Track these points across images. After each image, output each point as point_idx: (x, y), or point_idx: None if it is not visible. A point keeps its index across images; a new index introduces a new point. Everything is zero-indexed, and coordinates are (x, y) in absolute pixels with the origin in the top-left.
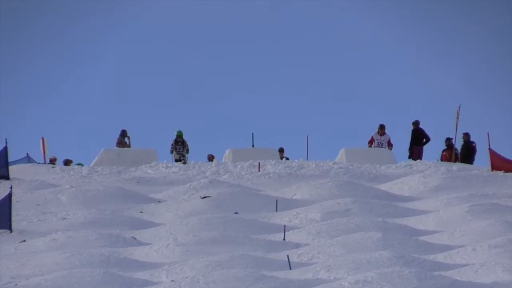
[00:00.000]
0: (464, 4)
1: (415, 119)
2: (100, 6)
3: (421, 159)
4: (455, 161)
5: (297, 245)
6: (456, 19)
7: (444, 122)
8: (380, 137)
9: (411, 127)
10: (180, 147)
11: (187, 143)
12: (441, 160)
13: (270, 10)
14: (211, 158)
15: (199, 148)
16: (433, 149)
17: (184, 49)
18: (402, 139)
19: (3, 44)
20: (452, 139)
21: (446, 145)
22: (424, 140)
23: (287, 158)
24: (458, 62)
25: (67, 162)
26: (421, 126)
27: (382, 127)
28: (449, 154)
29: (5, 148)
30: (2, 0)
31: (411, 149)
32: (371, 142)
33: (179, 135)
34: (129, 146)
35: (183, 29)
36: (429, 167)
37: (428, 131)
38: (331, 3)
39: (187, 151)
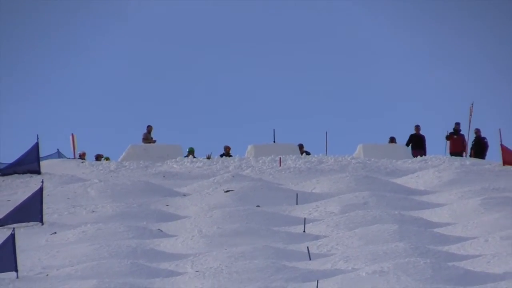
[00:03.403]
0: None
1: (416, 124)
2: (129, 5)
3: None
4: (463, 149)
5: (317, 237)
6: (469, 18)
7: (458, 119)
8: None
9: (413, 130)
10: None
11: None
12: (448, 140)
13: (293, 7)
14: (227, 149)
15: (221, 143)
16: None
17: (208, 48)
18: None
19: (34, 44)
20: (460, 124)
21: (454, 129)
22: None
23: (308, 153)
24: (470, 61)
25: (98, 157)
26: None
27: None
28: (459, 140)
29: (37, 144)
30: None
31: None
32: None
33: (191, 151)
34: (154, 141)
35: (204, 27)
36: (443, 162)
37: (441, 128)
38: (346, 2)
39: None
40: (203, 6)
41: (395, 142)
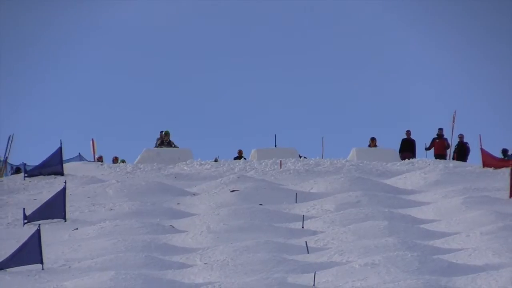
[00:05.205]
0: (455, 8)
1: (407, 129)
2: (145, 15)
3: None
4: (447, 148)
5: (314, 233)
6: (454, 28)
7: (441, 125)
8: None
9: (403, 135)
10: None
11: None
12: (433, 148)
13: (290, 16)
14: (240, 153)
15: (229, 147)
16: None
17: (215, 60)
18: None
19: (54, 55)
20: (443, 129)
21: (437, 135)
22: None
23: (305, 157)
24: (454, 72)
25: (114, 159)
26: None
27: (373, 139)
28: (442, 143)
29: (60, 148)
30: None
31: (401, 153)
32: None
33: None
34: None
35: (207, 33)
36: (429, 164)
37: (427, 134)
38: (344, 3)
39: None
40: (207, 14)
41: (376, 143)
